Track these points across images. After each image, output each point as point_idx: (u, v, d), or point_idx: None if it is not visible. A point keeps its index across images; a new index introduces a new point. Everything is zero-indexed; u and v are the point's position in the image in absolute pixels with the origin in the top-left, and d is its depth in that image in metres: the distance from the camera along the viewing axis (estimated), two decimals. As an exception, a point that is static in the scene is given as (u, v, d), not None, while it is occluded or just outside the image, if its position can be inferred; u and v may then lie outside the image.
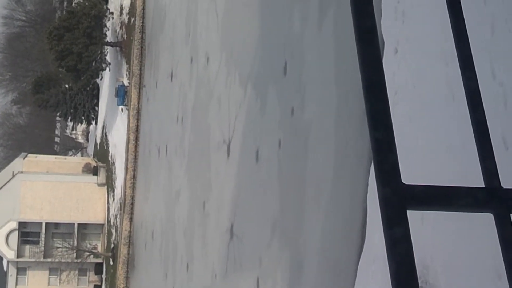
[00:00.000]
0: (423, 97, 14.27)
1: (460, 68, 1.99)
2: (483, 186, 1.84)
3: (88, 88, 71.98)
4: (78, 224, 64.50)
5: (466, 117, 1.99)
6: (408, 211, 1.74)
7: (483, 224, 11.15)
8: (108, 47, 66.25)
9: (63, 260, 63.33)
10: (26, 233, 64.57)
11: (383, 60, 1.88)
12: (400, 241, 1.65)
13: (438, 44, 13.47)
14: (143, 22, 57.41)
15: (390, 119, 1.77)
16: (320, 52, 22.45)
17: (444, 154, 13.01)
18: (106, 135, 69.38)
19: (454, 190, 1.76)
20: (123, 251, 56.78)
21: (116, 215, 60.94)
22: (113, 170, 63.32)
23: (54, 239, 64.72)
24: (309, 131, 23.00)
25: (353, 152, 19.56)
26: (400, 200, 1.68)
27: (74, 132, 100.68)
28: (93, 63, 65.12)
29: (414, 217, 1.68)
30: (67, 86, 74.41)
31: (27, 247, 64.70)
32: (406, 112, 14.38)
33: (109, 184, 64.60)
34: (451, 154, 12.62)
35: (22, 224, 64.03)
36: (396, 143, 1.83)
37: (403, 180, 1.73)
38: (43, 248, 63.62)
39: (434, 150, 13.59)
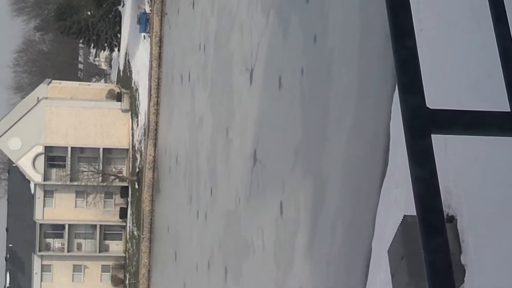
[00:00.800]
0: (448, 25, 14.30)
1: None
2: (509, 110, 1.87)
3: (110, 15, 71.71)
4: (103, 148, 65.10)
5: (492, 44, 2.12)
6: (432, 136, 1.78)
7: (507, 149, 11.32)
8: (130, -27, 65.79)
9: (89, 184, 64.17)
10: (52, 157, 65.31)
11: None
12: (424, 164, 1.70)
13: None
14: None
15: (415, 40, 1.81)
16: (344, -21, 22.36)
17: (469, 81, 13.10)
18: (129, 62, 69.39)
19: (479, 114, 1.80)
20: (147, 175, 57.54)
21: (140, 141, 61.48)
22: (137, 97, 63.57)
23: (80, 163, 65.48)
24: (331, 58, 23.05)
25: (376, 79, 19.65)
26: (425, 124, 1.71)
27: (97, 59, 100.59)
28: (115, -11, 64.74)
29: (438, 142, 1.81)
30: (89, 13, 74.14)
31: (54, 170, 65.52)
32: (430, 40, 14.46)
33: (133, 110, 64.94)
34: (476, 81, 12.70)
35: (48, 149, 64.70)
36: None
37: (427, 105, 1.79)
38: (69, 172, 64.38)
39: (459, 77, 13.68)
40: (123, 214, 65.81)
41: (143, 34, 61.12)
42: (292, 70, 26.56)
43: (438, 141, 1.87)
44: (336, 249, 21.88)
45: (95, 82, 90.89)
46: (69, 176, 64.65)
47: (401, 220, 14.80)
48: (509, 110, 1.85)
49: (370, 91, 20.15)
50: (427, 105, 1.75)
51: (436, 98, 13.30)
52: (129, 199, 65.06)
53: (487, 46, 12.41)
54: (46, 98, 66.65)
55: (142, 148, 60.09)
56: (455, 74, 13.91)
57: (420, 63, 1.80)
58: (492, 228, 12.31)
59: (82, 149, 65.77)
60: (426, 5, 14.93)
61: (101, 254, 66.00)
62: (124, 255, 65.78)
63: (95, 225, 66.23)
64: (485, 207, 12.75)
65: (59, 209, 66.16)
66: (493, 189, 12.29)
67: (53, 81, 71.67)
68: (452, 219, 13.98)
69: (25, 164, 64.69)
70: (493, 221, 12.27)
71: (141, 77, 61.93)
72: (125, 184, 65.58)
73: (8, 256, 69.19)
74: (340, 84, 22.35)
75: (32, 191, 66.85)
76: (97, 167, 64.84)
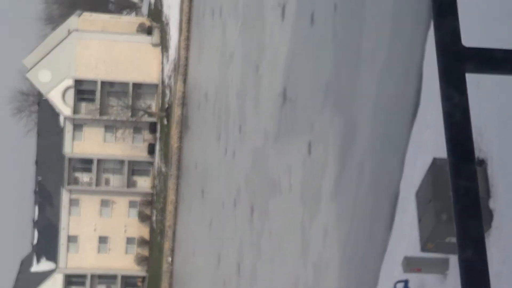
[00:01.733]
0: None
1: None
2: None
3: None
4: (133, 83, 65.10)
5: None
6: (466, 75, 1.69)
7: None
8: None
9: (118, 119, 64.35)
10: (82, 91, 65.46)
11: None
12: (457, 106, 1.65)
13: None
14: None
15: None
16: None
17: (505, 18, 12.63)
18: (160, -5, 68.89)
19: None
20: (177, 111, 57.45)
21: (170, 76, 61.29)
22: (167, 31, 63.19)
23: (110, 98, 65.58)
24: (366, -6, 22.49)
25: (410, 17, 19.13)
26: (460, 62, 1.66)
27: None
28: None
29: (470, 81, 1.61)
30: None
31: (83, 104, 65.72)
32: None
33: (163, 45, 64.64)
34: (508, 17, 12.25)
35: (78, 82, 64.82)
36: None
37: (463, 43, 1.67)
38: (98, 106, 64.54)
39: (495, 15, 13.20)
40: (151, 150, 66.09)
41: (175, -34, 60.41)
42: (325, 5, 26.00)
43: (471, 79, 1.56)
44: (363, 190, 21.66)
45: (126, 15, 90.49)
46: (98, 110, 64.81)
47: (430, 162, 14.51)
48: None
49: (404, 29, 19.64)
50: (463, 43, 1.68)
51: (472, 33, 12.79)
52: (158, 135, 65.22)
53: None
54: (77, 30, 66.46)
55: (172, 84, 59.92)
56: (491, 11, 13.43)
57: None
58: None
59: (111, 83, 65.78)
60: None
61: (129, 189, 66.52)
62: (151, 191, 66.28)
63: (123, 161, 66.64)
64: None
65: (88, 143, 66.55)
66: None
67: (84, 13, 71.38)
68: (482, 163, 13.69)
69: (55, 97, 64.89)
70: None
71: (172, 11, 61.42)
72: (154, 120, 65.69)
73: (37, 189, 69.96)
74: (373, 21, 21.84)
75: (62, 125, 67.22)
76: (126, 101, 64.90)
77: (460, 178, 1.65)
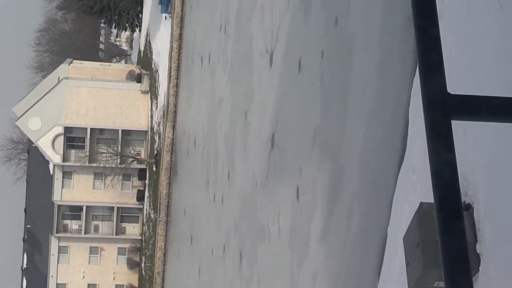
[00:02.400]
0: (470, 6, 13.97)
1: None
2: None
3: (132, -5, 71.65)
4: (122, 130, 65.15)
5: None
6: (452, 122, 1.75)
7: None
8: (152, -47, 65.56)
9: (107, 165, 64.26)
10: (72, 138, 65.47)
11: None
12: (443, 150, 1.67)
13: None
14: None
15: (437, 24, 1.73)
16: (366, -40, 21.98)
17: (490, 65, 12.80)
18: (149, 43, 69.29)
19: (501, 100, 1.75)
20: (165, 157, 57.47)
21: (159, 122, 61.43)
22: (157, 78, 63.49)
23: (99, 145, 65.59)
24: (353, 41, 22.72)
25: (397, 63, 19.33)
26: (446, 109, 1.69)
27: (118, 39, 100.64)
28: (138, -30, 64.55)
29: (457, 127, 1.64)
30: (111, -8, 74.08)
31: (73, 151, 65.69)
32: (452, 22, 14.11)
33: (153, 92, 64.89)
34: (498, 65, 12.41)
35: (67, 129, 64.86)
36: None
37: (448, 90, 1.71)
38: (88, 153, 64.53)
39: (480, 60, 13.37)
40: (140, 196, 65.90)
41: (164, 14, 60.94)
42: (312, 52, 26.24)
43: (457, 125, 1.61)
44: (351, 235, 21.64)
45: (115, 62, 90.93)
46: (87, 157, 64.76)
47: (417, 207, 14.54)
48: None
49: (390, 75, 19.84)
50: (448, 90, 1.70)
51: (457, 82, 12.95)
52: (147, 181, 65.10)
53: (510, 29, 12.10)
54: (67, 78, 66.71)
55: (161, 130, 60.02)
56: (477, 58, 13.60)
57: (442, 46, 1.74)
58: (509, 217, 12.03)
59: (101, 130, 65.84)
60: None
61: (118, 236, 66.16)
62: (140, 238, 65.92)
63: (113, 207, 66.37)
64: (502, 195, 12.48)
65: (77, 190, 66.35)
66: (511, 177, 12.02)
67: (74, 61, 71.73)
68: (468, 207, 13.72)
69: (44, 144, 64.86)
70: (510, 210, 11.99)
71: (161, 58, 61.79)
72: (143, 166, 65.62)
73: (25, 236, 69.52)
74: (360, 67, 22.05)
75: (51, 172, 67.05)
76: (115, 148, 64.90)
77: (449, 235, 1.66)
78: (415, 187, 16.51)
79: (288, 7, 29.90)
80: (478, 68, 13.45)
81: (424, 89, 1.69)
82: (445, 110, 1.68)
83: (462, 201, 13.84)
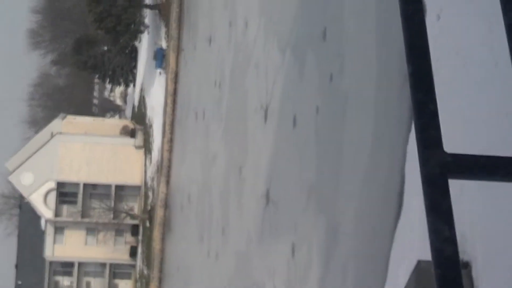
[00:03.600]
0: (466, 64, 14.05)
1: (507, 34, 1.92)
2: None
3: (126, 51, 72.16)
4: (116, 185, 65.08)
5: (510, 85, 1.90)
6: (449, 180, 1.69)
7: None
8: (147, 10, 66.26)
9: (100, 221, 64.00)
10: (64, 193, 65.31)
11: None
12: (440, 210, 1.64)
13: (481, 10, 13.23)
14: (182, -15, 57.22)
15: (433, 82, 1.73)
16: (360, 16, 22.20)
17: (487, 122, 12.82)
18: (144, 98, 69.64)
19: (498, 160, 1.73)
20: (159, 213, 57.24)
21: (153, 178, 61.36)
22: (151, 133, 63.66)
23: (92, 200, 65.41)
24: (347, 97, 22.83)
25: (392, 120, 19.38)
26: (442, 168, 1.66)
27: (112, 94, 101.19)
28: (132, 26, 65.17)
29: (454, 185, 1.63)
30: (105, 48, 74.64)
31: (65, 207, 65.46)
32: (448, 80, 14.17)
33: (147, 147, 64.98)
34: (494, 122, 12.43)
35: (60, 185, 64.74)
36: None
37: (444, 149, 1.68)
38: (80, 209, 64.32)
39: (476, 118, 13.39)
40: (133, 252, 65.49)
41: (159, 70, 61.32)
42: (307, 108, 26.33)
43: (454, 183, 1.57)
44: (347, 293, 21.43)
45: (109, 117, 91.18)
46: (80, 212, 64.52)
47: (415, 265, 14.44)
48: None
49: (385, 131, 19.86)
50: (444, 148, 1.69)
51: (453, 139, 12.94)
52: (140, 237, 64.75)
53: (505, 87, 12.14)
54: (60, 133, 66.80)
55: (155, 186, 59.88)
56: (473, 115, 13.63)
57: (438, 103, 1.74)
58: (507, 275, 11.95)
59: (94, 186, 65.72)
60: (443, 44, 14.65)
61: (110, 293, 65.60)
62: (133, 294, 65.35)
63: (105, 264, 65.93)
64: (500, 253, 12.42)
65: (69, 246, 65.93)
66: (508, 235, 11.98)
67: (67, 116, 71.96)
68: (466, 265, 13.64)
69: (36, 199, 64.64)
70: (509, 268, 11.92)
71: (155, 114, 62.01)
72: (136, 222, 65.34)
73: (17, 293, 68.84)
74: (355, 124, 22.10)
75: (43, 227, 66.71)
76: (108, 204, 64.70)
77: (446, 285, 1.61)
78: (412, 244, 16.42)
79: (282, 63, 30.11)
80: (474, 125, 13.48)
81: (420, 149, 1.67)
82: (441, 169, 1.66)
83: (461, 258, 13.72)
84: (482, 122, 13.07)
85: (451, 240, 1.64)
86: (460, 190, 13.22)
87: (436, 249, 1.62)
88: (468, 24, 14.03)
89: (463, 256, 13.76)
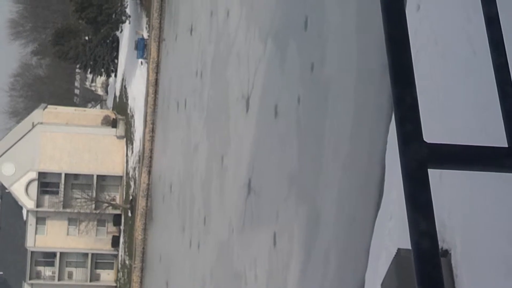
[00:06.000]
0: (445, 55, 14.13)
1: (486, 25, 1.95)
2: (506, 145, 1.82)
3: (108, 41, 71.79)
4: (97, 175, 64.83)
5: (489, 75, 1.95)
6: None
7: (503, 184, 11.10)
8: (128, -1, 65.98)
9: (82, 211, 63.81)
10: (46, 184, 65.02)
11: (405, 18, 1.87)
12: (420, 199, 1.66)
13: (460, 0, 13.31)
14: (163, -25, 57.02)
15: (413, 74, 1.75)
16: (341, 6, 22.25)
17: (466, 112, 12.90)
18: (125, 88, 69.36)
19: (477, 149, 1.76)
20: (141, 203, 57.17)
21: (134, 168, 61.21)
22: (132, 123, 63.44)
23: (73, 190, 65.15)
24: (328, 87, 22.88)
25: (372, 109, 19.46)
26: (422, 158, 1.68)
27: (93, 84, 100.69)
28: (113, 16, 64.86)
29: (433, 174, 1.67)
30: (87, 38, 74.23)
31: (47, 197, 65.19)
32: (427, 70, 14.25)
33: (128, 137, 64.77)
34: (473, 113, 12.51)
35: (41, 175, 64.44)
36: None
37: (424, 138, 1.72)
38: (62, 199, 64.07)
39: (455, 108, 13.48)
40: (115, 242, 65.34)
41: (140, 60, 61.09)
42: (288, 98, 26.37)
43: (433, 172, 1.63)
44: (328, 281, 21.55)
45: (91, 107, 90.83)
46: (62, 203, 64.28)
47: (395, 253, 14.53)
48: (507, 146, 1.82)
49: (366, 120, 19.95)
50: (424, 139, 1.72)
51: (432, 129, 13.04)
52: (122, 227, 64.63)
53: (484, 77, 12.23)
54: (41, 123, 66.45)
55: (136, 176, 59.77)
56: (452, 106, 13.71)
57: (417, 94, 1.76)
58: (486, 263, 12.05)
59: (76, 176, 65.46)
60: (423, 34, 14.73)
61: (92, 283, 65.45)
62: (115, 284, 65.21)
63: (87, 254, 65.74)
64: (479, 240, 12.51)
65: (51, 236, 65.69)
66: (487, 223, 12.07)
67: (48, 106, 71.55)
68: (446, 254, 13.73)
69: (18, 190, 64.32)
70: (487, 256, 12.02)
71: (137, 104, 61.81)
72: (118, 212, 65.18)
73: (-2, 283, 68.58)
74: (336, 113, 22.16)
75: (24, 218, 66.41)
76: (90, 194, 64.48)
77: (425, 271, 1.63)
78: (392, 233, 16.51)
79: (264, 53, 30.11)
80: (453, 115, 13.56)
81: (400, 139, 1.69)
82: (421, 159, 1.68)
83: (440, 247, 13.83)
84: (461, 112, 13.16)
85: (430, 233, 1.65)
86: (439, 178, 13.32)
87: (415, 242, 1.64)
88: (447, 14, 14.12)
89: (442, 244, 13.86)
